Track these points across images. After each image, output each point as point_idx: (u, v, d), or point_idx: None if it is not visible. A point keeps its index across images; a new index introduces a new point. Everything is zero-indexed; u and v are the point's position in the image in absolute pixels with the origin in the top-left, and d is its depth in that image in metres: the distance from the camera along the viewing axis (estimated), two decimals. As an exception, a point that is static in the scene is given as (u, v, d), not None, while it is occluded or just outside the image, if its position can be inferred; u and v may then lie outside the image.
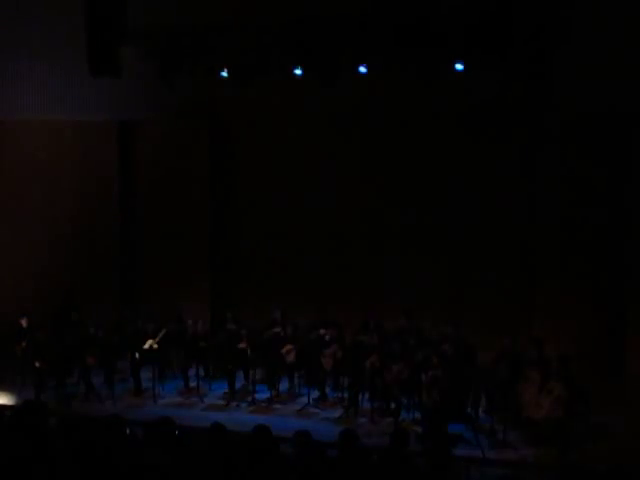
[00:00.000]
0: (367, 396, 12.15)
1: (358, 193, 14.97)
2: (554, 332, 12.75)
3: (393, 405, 11.83)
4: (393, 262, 14.73)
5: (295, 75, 13.37)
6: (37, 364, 12.96)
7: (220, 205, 15.95)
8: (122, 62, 13.45)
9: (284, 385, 13.16)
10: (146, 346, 13.07)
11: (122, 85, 14.44)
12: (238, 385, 13.06)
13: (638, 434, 10.52)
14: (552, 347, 11.78)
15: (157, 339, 13.16)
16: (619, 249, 13.36)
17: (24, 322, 13.75)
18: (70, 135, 15.70)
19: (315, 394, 12.69)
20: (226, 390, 12.96)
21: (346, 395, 12.36)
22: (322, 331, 13.02)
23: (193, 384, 13.18)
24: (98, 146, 15.73)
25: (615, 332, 13.32)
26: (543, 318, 13.54)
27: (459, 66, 12.61)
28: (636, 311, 12.97)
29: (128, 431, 6.79)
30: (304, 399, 12.60)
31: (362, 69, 13.09)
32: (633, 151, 13.12)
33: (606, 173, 13.40)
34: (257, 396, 12.74)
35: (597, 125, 13.19)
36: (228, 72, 13.63)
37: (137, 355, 13.05)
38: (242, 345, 12.92)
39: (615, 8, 12.37)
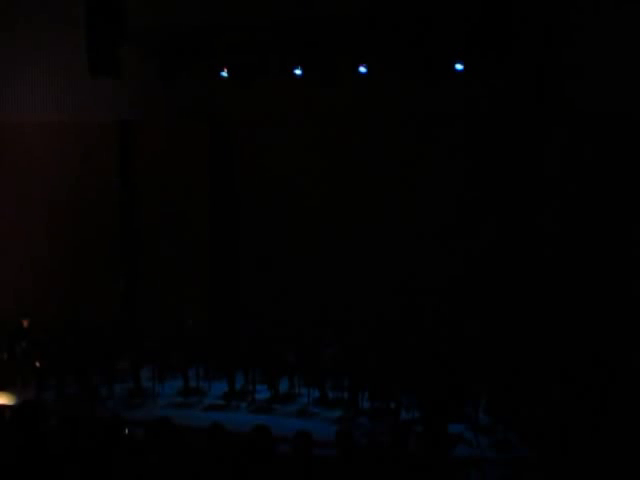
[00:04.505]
0: (367, 396, 12.15)
1: (358, 193, 14.97)
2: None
3: (393, 405, 11.83)
4: (394, 262, 14.74)
5: (295, 75, 13.37)
6: (37, 364, 12.97)
7: (220, 205, 15.95)
8: (122, 62, 13.45)
9: (284, 385, 13.16)
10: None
11: (122, 85, 14.45)
12: (238, 385, 13.06)
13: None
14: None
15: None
16: (620, 248, 13.36)
17: (25, 322, 13.75)
18: (70, 135, 15.69)
19: (315, 394, 12.70)
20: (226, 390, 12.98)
21: (346, 395, 12.36)
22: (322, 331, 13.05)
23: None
24: (98, 146, 15.72)
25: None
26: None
27: (459, 66, 12.62)
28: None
29: (127, 431, 6.81)
30: (304, 399, 12.63)
31: (362, 69, 13.10)
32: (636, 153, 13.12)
33: (610, 173, 13.39)
34: (257, 396, 12.75)
35: (600, 125, 13.18)
36: (228, 72, 13.63)
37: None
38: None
39: (618, 7, 12.36)
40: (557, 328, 13.12)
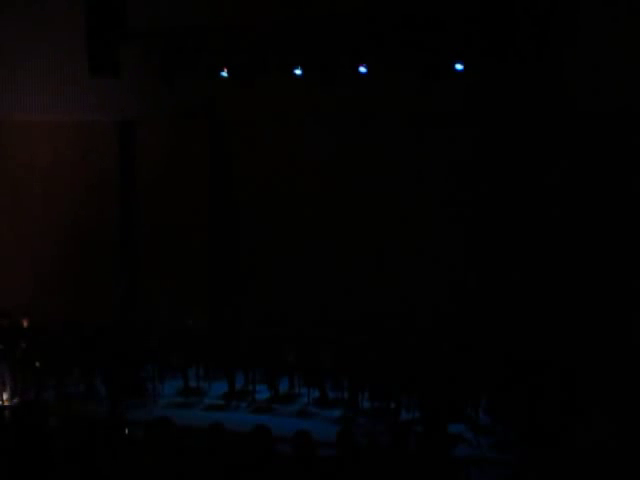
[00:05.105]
0: (367, 396, 12.15)
1: (358, 192, 14.96)
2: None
3: (393, 405, 11.83)
4: (394, 262, 14.74)
5: (295, 75, 13.37)
6: (37, 364, 12.96)
7: (220, 205, 15.95)
8: (122, 62, 13.44)
9: (284, 385, 13.16)
10: None
11: (122, 85, 14.44)
12: (238, 385, 13.06)
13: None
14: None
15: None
16: (621, 245, 13.36)
17: (24, 322, 13.74)
18: (70, 135, 15.69)
19: (315, 394, 12.70)
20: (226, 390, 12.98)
21: (346, 395, 12.36)
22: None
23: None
24: (98, 146, 15.72)
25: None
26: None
27: (459, 66, 12.62)
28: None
29: (127, 431, 6.81)
30: (304, 399, 12.63)
31: (362, 69, 13.09)
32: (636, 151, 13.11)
33: (610, 172, 13.39)
34: (257, 396, 12.76)
35: (600, 124, 13.18)
36: (228, 72, 13.63)
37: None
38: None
39: (618, 6, 12.36)
40: (557, 327, 13.12)
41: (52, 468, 6.10)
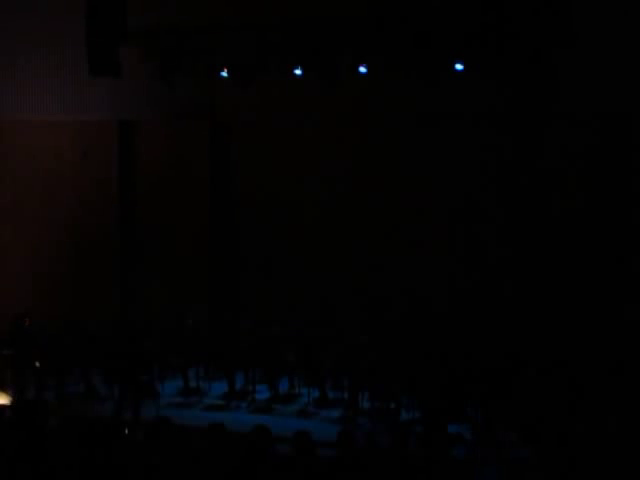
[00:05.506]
0: (367, 396, 12.15)
1: (358, 193, 14.97)
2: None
3: (393, 405, 11.83)
4: (394, 262, 14.74)
5: (295, 75, 13.38)
6: (37, 364, 12.96)
7: (220, 205, 15.95)
8: (122, 62, 13.45)
9: (284, 385, 13.16)
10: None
11: (122, 85, 14.45)
12: (238, 385, 13.06)
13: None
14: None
15: None
16: (619, 248, 13.36)
17: (25, 322, 13.73)
18: (70, 135, 15.69)
19: (315, 394, 12.70)
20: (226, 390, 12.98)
21: (346, 395, 12.36)
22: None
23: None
24: (98, 146, 15.72)
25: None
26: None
27: (459, 66, 12.62)
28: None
29: (127, 431, 6.82)
30: (304, 399, 12.62)
31: (362, 69, 13.10)
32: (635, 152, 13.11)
33: (608, 173, 13.38)
34: (257, 396, 12.76)
35: (599, 125, 13.18)
36: (228, 72, 13.65)
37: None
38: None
39: (617, 7, 12.36)
40: (558, 327, 13.12)
41: (52, 468, 6.10)
